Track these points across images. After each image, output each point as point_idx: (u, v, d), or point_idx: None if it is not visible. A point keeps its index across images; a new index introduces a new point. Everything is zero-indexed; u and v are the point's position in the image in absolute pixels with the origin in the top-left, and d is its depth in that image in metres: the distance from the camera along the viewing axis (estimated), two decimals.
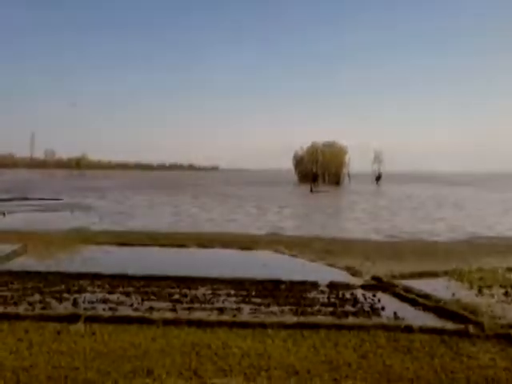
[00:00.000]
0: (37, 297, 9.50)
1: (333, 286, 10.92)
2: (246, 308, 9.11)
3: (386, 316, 8.81)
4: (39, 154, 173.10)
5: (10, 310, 8.47)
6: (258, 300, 9.65)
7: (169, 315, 8.39)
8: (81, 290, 10.13)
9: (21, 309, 8.61)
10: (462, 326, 8.05)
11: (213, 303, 9.40)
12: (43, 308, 8.76)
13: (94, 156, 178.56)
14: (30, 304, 8.97)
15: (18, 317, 8.05)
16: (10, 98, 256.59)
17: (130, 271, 11.68)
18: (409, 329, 7.92)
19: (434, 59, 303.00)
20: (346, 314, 8.82)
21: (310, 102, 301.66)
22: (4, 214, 27.76)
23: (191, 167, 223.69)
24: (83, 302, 9.25)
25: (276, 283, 10.94)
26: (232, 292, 10.22)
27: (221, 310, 8.88)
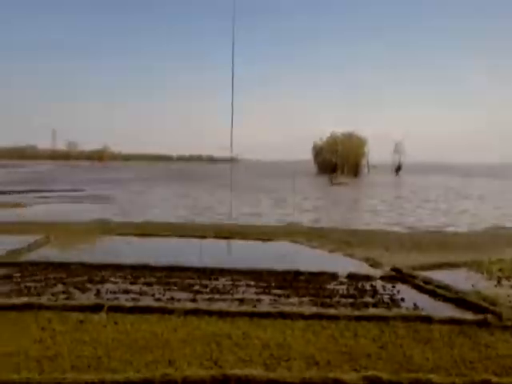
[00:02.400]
0: (60, 287, 9.69)
1: (352, 277, 10.92)
2: (266, 299, 9.17)
3: (405, 307, 8.80)
4: (61, 146, 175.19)
5: (34, 300, 8.63)
6: (278, 291, 9.70)
7: (190, 305, 8.49)
8: (103, 281, 10.30)
9: (44, 299, 8.78)
10: (481, 317, 8.02)
11: (233, 294, 9.48)
12: (66, 298, 8.93)
13: (115, 148, 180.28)
14: (54, 294, 9.15)
15: (41, 307, 8.21)
16: (31, 90, 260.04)
17: (151, 262, 11.82)
18: (428, 319, 7.91)
19: (451, 51, 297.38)
20: (366, 305, 8.82)
21: (329, 92, 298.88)
22: (25, 205, 28.22)
23: (211, 159, 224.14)
24: (106, 293, 9.41)
25: (295, 274, 10.98)
26: (252, 283, 10.29)
27: (241, 301, 8.95)
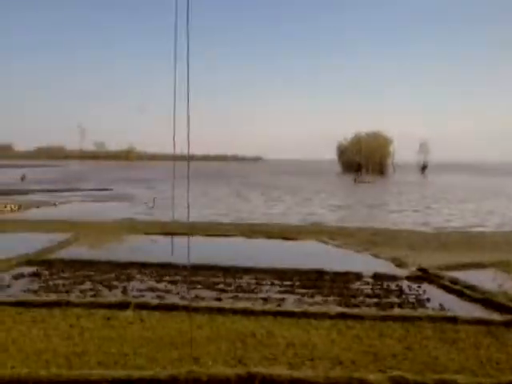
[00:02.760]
0: (88, 285, 9.87)
1: (377, 277, 10.84)
2: (290, 298, 9.18)
3: (431, 307, 8.70)
4: (89, 146, 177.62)
5: (63, 297, 8.81)
6: (302, 290, 9.70)
7: (214, 304, 8.56)
8: (129, 278, 10.45)
9: (72, 296, 8.95)
10: (508, 317, 7.89)
11: (257, 293, 9.51)
12: (94, 295, 9.09)
13: (141, 148, 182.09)
14: (82, 292, 9.32)
15: (69, 304, 8.37)
16: (60, 91, 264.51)
17: (176, 261, 11.93)
18: (454, 320, 7.81)
19: (476, 46, 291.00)
20: (391, 306, 8.75)
21: (353, 93, 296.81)
22: (55, 204, 28.80)
23: (235, 158, 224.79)
24: (132, 290, 9.55)
25: (320, 274, 10.95)
26: (276, 282, 10.31)
27: (265, 300, 8.98)
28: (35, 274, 10.64)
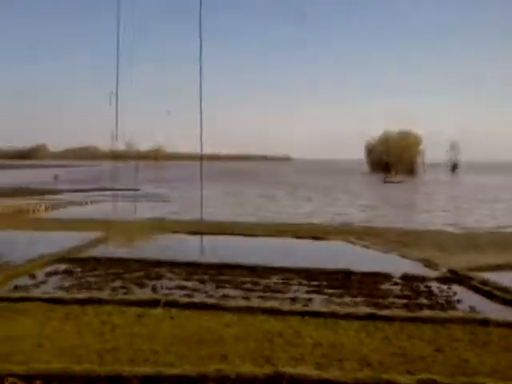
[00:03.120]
0: (119, 282, 10.05)
1: (406, 278, 10.73)
2: (318, 298, 9.16)
3: (461, 309, 8.58)
4: (120, 147, 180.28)
5: (95, 294, 9.01)
6: (330, 290, 9.67)
7: (242, 303, 8.61)
8: (159, 277, 10.60)
9: (104, 294, 9.13)
10: None
11: (284, 292, 9.52)
12: (125, 293, 9.26)
13: (169, 148, 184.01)
14: (113, 289, 9.50)
15: (101, 301, 8.54)
16: (93, 93, 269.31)
17: (205, 260, 12.05)
18: (485, 322, 7.68)
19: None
20: (421, 307, 8.66)
21: (379, 92, 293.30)
22: (86, 203, 29.35)
23: (264, 158, 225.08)
24: (161, 288, 9.69)
25: (348, 274, 10.89)
26: (303, 282, 10.30)
27: (293, 300, 8.98)
28: (68, 272, 10.89)
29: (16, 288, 9.49)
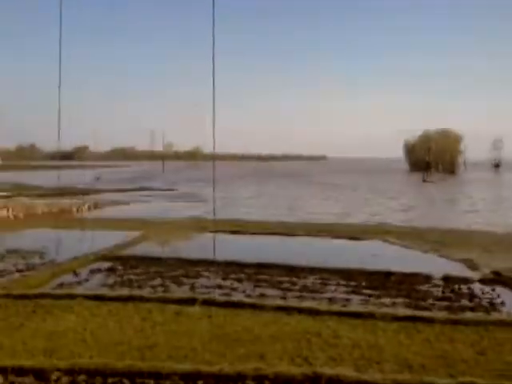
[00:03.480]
0: (158, 280, 10.23)
1: (448, 279, 10.51)
2: (356, 298, 9.09)
3: (505, 312, 8.35)
4: (159, 147, 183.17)
5: (136, 292, 9.21)
6: (368, 291, 9.57)
7: (280, 302, 8.62)
8: (197, 275, 10.73)
9: (145, 291, 9.33)
10: None
11: (322, 292, 9.48)
12: (164, 291, 9.42)
13: (207, 148, 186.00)
14: (153, 287, 9.69)
15: (142, 299, 8.73)
16: (134, 95, 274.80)
17: (242, 259, 12.12)
18: None
19: None
20: (463, 309, 8.47)
21: (417, 91, 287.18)
22: (127, 203, 29.95)
23: (299, 157, 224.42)
24: (200, 287, 9.81)
25: (387, 274, 10.76)
26: (341, 282, 10.23)
27: (330, 300, 8.94)
28: (110, 270, 11.17)
29: (61, 285, 9.81)
